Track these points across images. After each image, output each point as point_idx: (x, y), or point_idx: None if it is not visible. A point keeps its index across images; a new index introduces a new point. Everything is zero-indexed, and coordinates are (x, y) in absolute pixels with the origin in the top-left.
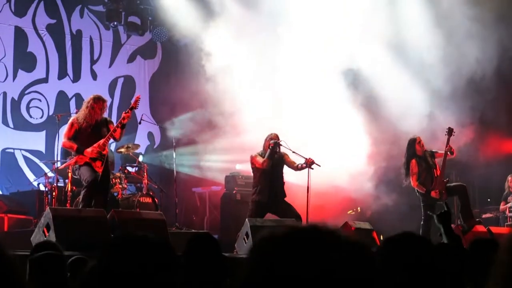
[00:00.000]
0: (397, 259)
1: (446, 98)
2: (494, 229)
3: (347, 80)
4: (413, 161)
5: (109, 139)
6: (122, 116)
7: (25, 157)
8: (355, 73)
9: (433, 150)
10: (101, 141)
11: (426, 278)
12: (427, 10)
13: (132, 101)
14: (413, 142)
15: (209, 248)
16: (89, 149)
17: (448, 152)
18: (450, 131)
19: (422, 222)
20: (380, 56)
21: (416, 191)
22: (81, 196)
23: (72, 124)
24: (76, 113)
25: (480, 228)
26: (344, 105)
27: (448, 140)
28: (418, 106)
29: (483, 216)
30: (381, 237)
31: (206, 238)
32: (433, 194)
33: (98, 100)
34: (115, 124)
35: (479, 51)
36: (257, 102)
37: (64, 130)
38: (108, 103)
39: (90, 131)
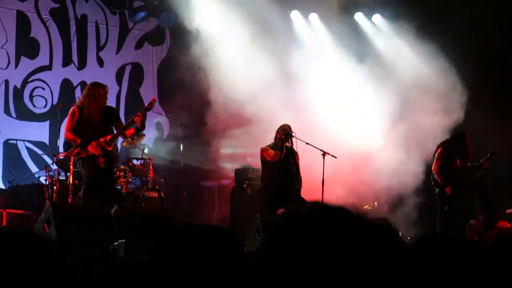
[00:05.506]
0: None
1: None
2: None
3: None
4: (458, 160)
5: (118, 137)
6: (133, 119)
7: (28, 149)
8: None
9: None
10: (108, 137)
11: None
12: None
13: (147, 103)
14: (463, 139)
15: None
16: (93, 144)
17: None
18: (492, 155)
19: (438, 218)
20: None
21: (432, 178)
22: (81, 192)
23: (73, 114)
24: None
25: (504, 223)
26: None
27: (486, 162)
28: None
29: (507, 211)
30: (399, 233)
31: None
32: (447, 189)
33: (99, 87)
34: (119, 115)
35: None
36: (270, 91)
37: (65, 121)
38: (114, 91)
39: (94, 122)
